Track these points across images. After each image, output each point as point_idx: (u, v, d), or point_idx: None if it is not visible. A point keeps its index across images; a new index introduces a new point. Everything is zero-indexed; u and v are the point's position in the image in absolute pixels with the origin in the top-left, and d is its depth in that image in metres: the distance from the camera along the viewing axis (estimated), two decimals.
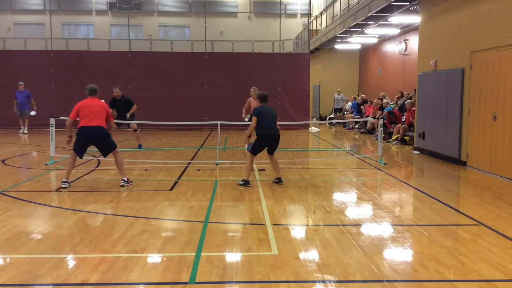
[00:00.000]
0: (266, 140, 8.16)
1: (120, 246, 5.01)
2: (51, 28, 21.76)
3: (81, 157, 8.31)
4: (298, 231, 5.70)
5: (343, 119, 22.21)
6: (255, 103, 13.57)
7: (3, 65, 20.31)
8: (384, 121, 15.31)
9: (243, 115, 13.23)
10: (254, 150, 8.24)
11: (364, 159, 11.65)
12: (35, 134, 17.39)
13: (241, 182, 8.22)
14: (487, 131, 9.54)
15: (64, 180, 8.04)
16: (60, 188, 7.92)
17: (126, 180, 8.28)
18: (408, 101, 15.23)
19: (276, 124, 8.24)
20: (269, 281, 4.13)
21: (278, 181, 8.41)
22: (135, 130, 12.75)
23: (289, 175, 9.45)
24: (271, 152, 8.37)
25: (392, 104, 17.07)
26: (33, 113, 17.51)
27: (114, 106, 12.46)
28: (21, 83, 17.63)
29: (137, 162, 10.80)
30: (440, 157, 11.46)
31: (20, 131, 17.55)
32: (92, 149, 13.11)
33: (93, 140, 8.17)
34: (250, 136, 8.43)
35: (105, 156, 8.57)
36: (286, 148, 13.34)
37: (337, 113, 23.98)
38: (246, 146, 13.44)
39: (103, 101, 8.48)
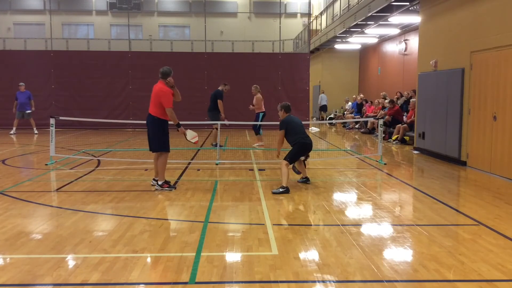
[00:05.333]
0: (303, 148, 8.07)
1: (120, 246, 5.01)
2: (51, 28, 21.77)
3: (150, 150, 7.86)
4: (298, 231, 5.70)
5: (339, 118, 22.24)
6: (256, 101, 13.72)
7: (3, 65, 20.31)
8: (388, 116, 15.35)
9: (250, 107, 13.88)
10: (292, 158, 8.01)
11: (364, 159, 11.65)
12: (38, 134, 17.38)
13: (280, 190, 7.64)
14: (487, 131, 9.53)
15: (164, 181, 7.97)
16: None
17: (159, 184, 7.78)
18: (412, 99, 15.26)
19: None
20: (269, 281, 4.13)
21: (306, 180, 8.51)
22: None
23: (289, 175, 9.43)
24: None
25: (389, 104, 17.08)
26: (29, 110, 17.48)
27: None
28: (21, 84, 17.54)
29: (137, 162, 10.80)
30: (440, 157, 11.46)
31: (11, 132, 17.39)
32: (92, 148, 13.20)
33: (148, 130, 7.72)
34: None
35: (152, 151, 7.86)
36: (286, 148, 13.30)
37: (322, 112, 25.17)
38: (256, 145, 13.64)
39: (163, 84, 7.67)
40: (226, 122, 12.04)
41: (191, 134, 8.11)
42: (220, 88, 13.42)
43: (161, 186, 7.81)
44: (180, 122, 7.84)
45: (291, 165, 8.10)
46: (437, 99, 11.67)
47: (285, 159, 7.91)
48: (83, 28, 31.84)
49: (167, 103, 7.53)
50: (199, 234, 5.44)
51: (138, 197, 7.41)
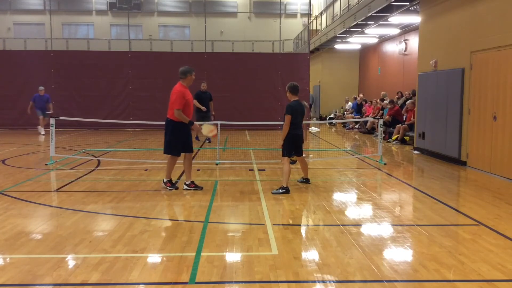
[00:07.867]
0: (293, 140, 7.89)
1: (120, 246, 5.01)
2: (51, 28, 21.76)
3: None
4: (298, 231, 5.70)
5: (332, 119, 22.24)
6: None
7: (3, 65, 20.30)
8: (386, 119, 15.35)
9: None
10: (289, 150, 7.88)
11: (364, 159, 11.65)
12: (35, 134, 17.36)
13: (280, 190, 7.61)
14: (487, 131, 9.53)
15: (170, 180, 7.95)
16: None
17: (187, 184, 7.85)
18: (409, 101, 15.26)
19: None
20: (269, 281, 4.13)
21: (306, 181, 8.46)
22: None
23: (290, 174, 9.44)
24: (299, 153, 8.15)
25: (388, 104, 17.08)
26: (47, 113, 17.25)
27: (199, 99, 13.61)
28: (41, 88, 17.11)
29: (137, 162, 10.80)
30: (440, 157, 11.46)
31: (42, 133, 16.86)
32: (92, 148, 13.20)
33: None
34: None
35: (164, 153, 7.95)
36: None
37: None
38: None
39: (178, 86, 7.82)
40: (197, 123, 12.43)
41: (207, 129, 8.10)
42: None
43: (164, 184, 7.92)
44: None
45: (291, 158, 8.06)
46: (437, 99, 11.66)
47: (283, 156, 7.89)
48: (83, 28, 31.85)
49: (176, 104, 7.53)
50: (199, 234, 5.44)
51: (138, 197, 7.41)
